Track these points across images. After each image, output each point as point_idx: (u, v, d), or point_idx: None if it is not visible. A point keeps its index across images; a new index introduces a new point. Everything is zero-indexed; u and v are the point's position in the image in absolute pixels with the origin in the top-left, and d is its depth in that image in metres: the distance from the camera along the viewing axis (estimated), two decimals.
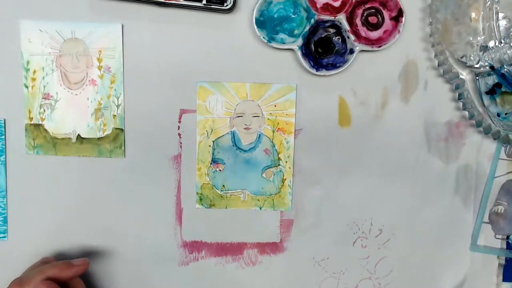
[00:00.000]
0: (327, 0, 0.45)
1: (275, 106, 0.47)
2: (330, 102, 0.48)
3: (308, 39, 0.45)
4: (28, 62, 0.47)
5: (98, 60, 0.47)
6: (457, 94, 0.46)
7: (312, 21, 0.45)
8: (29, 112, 0.47)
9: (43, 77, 0.47)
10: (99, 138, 0.48)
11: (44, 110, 0.47)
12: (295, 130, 0.48)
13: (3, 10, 0.46)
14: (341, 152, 0.48)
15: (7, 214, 0.49)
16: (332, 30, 0.46)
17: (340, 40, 0.46)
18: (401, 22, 0.45)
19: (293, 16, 0.45)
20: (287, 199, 0.49)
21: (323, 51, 0.46)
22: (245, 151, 0.48)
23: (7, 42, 0.46)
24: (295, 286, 0.51)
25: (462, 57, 0.44)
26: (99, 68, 0.47)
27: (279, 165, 0.48)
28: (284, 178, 0.49)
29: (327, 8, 0.45)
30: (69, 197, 0.49)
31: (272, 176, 0.49)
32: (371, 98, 0.48)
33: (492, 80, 0.45)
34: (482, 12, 0.43)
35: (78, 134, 0.48)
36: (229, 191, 0.49)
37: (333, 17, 0.45)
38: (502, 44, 0.43)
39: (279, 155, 0.48)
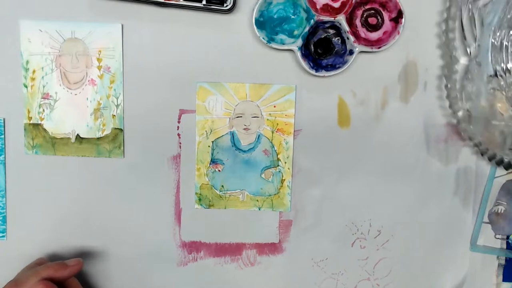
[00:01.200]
0: (326, 1, 0.45)
1: (274, 106, 0.47)
2: (329, 103, 0.48)
3: (307, 39, 0.45)
4: (27, 62, 0.47)
5: (97, 60, 0.47)
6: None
7: (312, 22, 0.45)
8: (28, 111, 0.47)
9: (43, 77, 0.47)
10: (98, 138, 0.48)
11: (44, 110, 0.47)
12: (294, 131, 0.48)
13: (3, 10, 0.46)
14: (340, 152, 0.48)
15: (6, 214, 0.49)
16: (331, 31, 0.46)
17: (339, 41, 0.46)
18: (401, 23, 0.45)
19: (292, 16, 0.45)
20: (286, 199, 0.49)
21: (322, 52, 0.46)
22: (244, 151, 0.48)
23: (7, 42, 0.47)
24: (294, 286, 0.51)
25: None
26: (99, 68, 0.47)
27: (278, 165, 0.48)
28: (283, 178, 0.49)
29: (326, 9, 0.45)
30: (68, 197, 0.49)
31: (271, 176, 0.49)
32: (370, 98, 0.48)
33: None
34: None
35: (77, 134, 0.48)
36: (228, 192, 0.49)
37: (333, 18, 0.45)
38: None
39: (278, 156, 0.48)
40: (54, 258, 0.49)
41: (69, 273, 0.44)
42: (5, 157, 0.48)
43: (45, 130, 0.48)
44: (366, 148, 0.48)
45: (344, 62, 0.45)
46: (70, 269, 0.44)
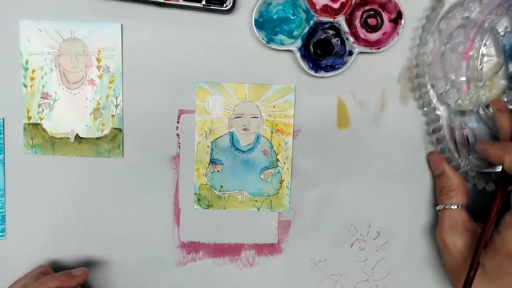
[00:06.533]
0: (326, 1, 0.45)
1: (273, 107, 0.47)
2: (328, 104, 0.48)
3: (307, 40, 0.45)
4: (27, 62, 0.47)
5: (97, 60, 0.47)
6: (431, 128, 0.47)
7: (311, 22, 0.45)
8: (28, 111, 0.47)
9: (42, 77, 0.47)
10: (97, 138, 0.48)
11: (43, 110, 0.47)
12: (293, 131, 0.48)
13: (2, 10, 0.46)
14: (339, 153, 0.48)
15: (5, 214, 0.49)
16: (331, 32, 0.46)
17: (339, 42, 0.46)
18: (400, 24, 0.45)
19: (292, 17, 0.45)
20: (285, 200, 0.49)
21: (322, 53, 0.46)
22: (243, 152, 0.48)
23: (6, 41, 0.47)
24: (293, 287, 0.51)
25: (442, 93, 0.45)
26: (98, 68, 0.47)
27: (277, 166, 0.48)
28: (282, 179, 0.49)
29: (326, 9, 0.45)
30: (67, 197, 0.49)
31: (270, 177, 0.49)
32: (369, 99, 0.48)
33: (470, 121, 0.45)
34: (471, 52, 0.43)
35: (77, 134, 0.48)
36: (227, 192, 0.49)
37: (332, 19, 0.45)
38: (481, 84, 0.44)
39: (278, 156, 0.48)
40: (54, 258, 0.49)
41: (76, 284, 0.45)
42: (4, 157, 0.48)
43: (44, 129, 0.48)
44: (365, 149, 0.48)
45: (344, 63, 0.45)
46: (77, 279, 0.45)
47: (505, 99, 0.44)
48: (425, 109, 0.47)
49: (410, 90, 0.47)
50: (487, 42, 0.43)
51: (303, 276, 0.50)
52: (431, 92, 0.46)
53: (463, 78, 0.44)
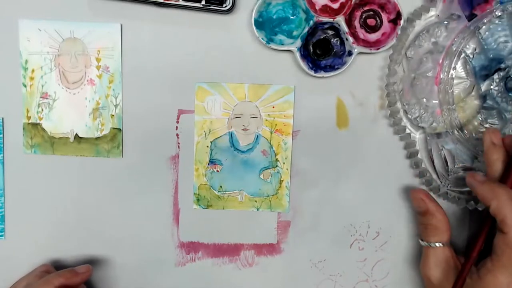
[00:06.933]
0: (326, 2, 0.45)
1: (273, 107, 0.47)
2: (328, 104, 0.48)
3: (306, 40, 0.45)
4: (26, 61, 0.47)
5: (96, 59, 0.47)
6: (408, 153, 0.47)
7: (311, 22, 0.45)
8: (27, 111, 0.47)
9: (42, 76, 0.47)
10: (97, 138, 0.48)
11: (42, 109, 0.47)
12: (293, 132, 0.48)
13: (2, 9, 0.46)
14: (338, 153, 0.48)
15: (5, 213, 0.49)
16: (330, 32, 0.46)
17: (338, 42, 0.46)
18: (400, 24, 0.45)
19: (292, 17, 0.45)
20: (285, 200, 0.49)
21: (321, 53, 0.46)
22: (242, 152, 0.48)
23: (6, 41, 0.47)
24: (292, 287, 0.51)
25: (416, 118, 0.45)
26: (98, 67, 0.47)
27: (276, 166, 0.48)
28: (282, 179, 0.49)
29: (326, 10, 0.45)
30: (67, 197, 0.49)
31: (270, 177, 0.49)
32: (369, 99, 0.48)
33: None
34: (441, 76, 0.43)
35: (76, 134, 0.48)
36: (226, 192, 0.49)
37: (332, 19, 0.45)
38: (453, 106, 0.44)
39: (277, 156, 0.48)
40: (52, 258, 0.49)
41: (81, 280, 0.45)
42: (3, 157, 0.48)
43: (43, 129, 0.48)
44: (364, 149, 0.48)
45: (343, 63, 0.45)
46: (81, 276, 0.45)
47: (480, 119, 0.44)
48: (401, 135, 0.47)
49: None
50: (457, 65, 0.43)
51: (302, 277, 0.50)
52: (405, 118, 0.46)
53: (435, 102, 0.44)
